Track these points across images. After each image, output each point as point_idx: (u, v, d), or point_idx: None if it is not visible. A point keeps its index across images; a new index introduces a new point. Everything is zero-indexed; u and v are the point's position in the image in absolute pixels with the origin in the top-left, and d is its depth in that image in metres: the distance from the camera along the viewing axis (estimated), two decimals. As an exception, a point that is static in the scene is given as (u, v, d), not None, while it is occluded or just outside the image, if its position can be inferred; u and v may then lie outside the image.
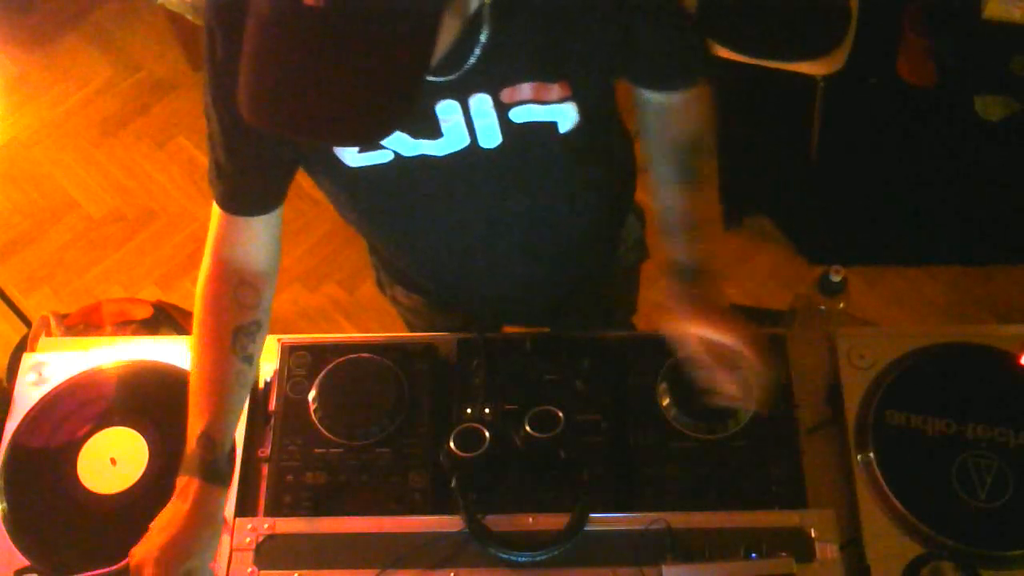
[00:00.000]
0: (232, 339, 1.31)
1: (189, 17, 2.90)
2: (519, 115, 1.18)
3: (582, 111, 1.21)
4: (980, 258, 2.84)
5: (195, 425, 1.28)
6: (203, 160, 3.11)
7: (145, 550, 1.24)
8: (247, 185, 1.28)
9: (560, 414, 1.38)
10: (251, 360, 1.34)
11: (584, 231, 1.47)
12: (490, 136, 1.20)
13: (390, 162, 1.22)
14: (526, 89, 1.16)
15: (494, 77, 1.13)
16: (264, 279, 1.36)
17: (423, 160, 1.22)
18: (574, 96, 1.18)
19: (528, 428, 1.39)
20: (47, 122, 3.26)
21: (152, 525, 1.26)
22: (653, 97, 1.33)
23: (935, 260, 2.84)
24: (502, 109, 1.17)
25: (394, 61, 0.88)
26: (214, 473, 1.27)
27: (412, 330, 1.87)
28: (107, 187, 3.12)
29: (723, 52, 2.63)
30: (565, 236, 1.46)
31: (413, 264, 1.55)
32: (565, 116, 1.21)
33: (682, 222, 1.32)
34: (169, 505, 1.26)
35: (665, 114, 1.34)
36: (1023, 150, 2.96)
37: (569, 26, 1.11)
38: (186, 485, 1.26)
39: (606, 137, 1.39)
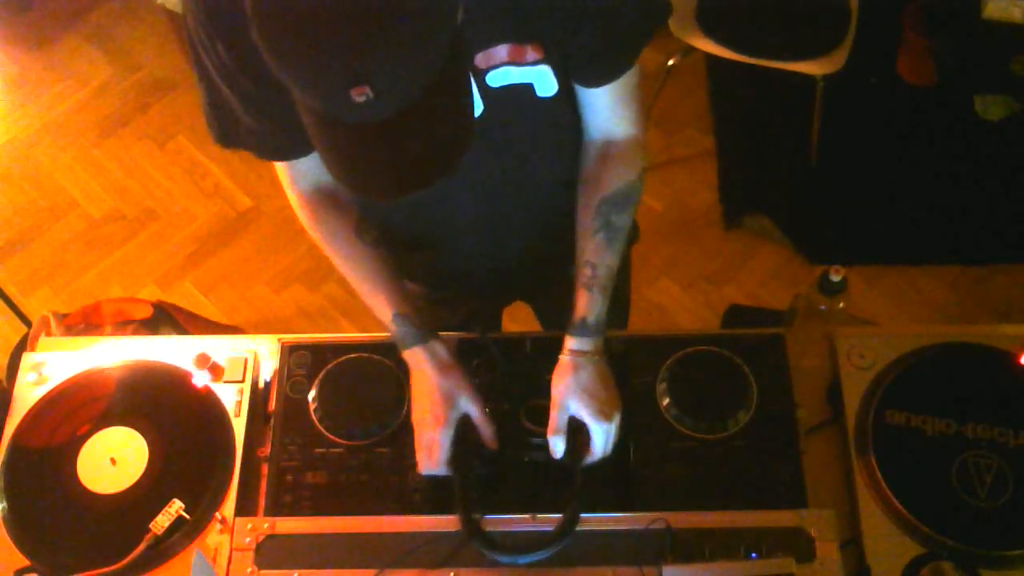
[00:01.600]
0: (356, 237, 1.42)
1: (189, 17, 2.90)
2: (496, 79, 1.19)
3: (559, 76, 1.23)
4: (980, 258, 2.84)
5: (384, 313, 1.40)
6: (203, 160, 3.13)
7: (423, 427, 1.36)
8: (285, 139, 1.30)
9: None
10: (377, 242, 1.44)
11: (571, 195, 1.46)
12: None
13: None
14: (501, 51, 1.17)
15: (470, 42, 1.14)
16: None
17: None
18: (548, 59, 1.20)
19: (527, 422, 1.38)
20: (47, 122, 3.26)
21: (413, 406, 1.39)
22: (595, 130, 1.34)
23: (935, 260, 2.84)
24: (478, 74, 1.18)
25: (458, 121, 1.05)
26: (425, 335, 1.39)
27: None
28: (107, 187, 3.12)
29: (723, 52, 2.63)
30: (553, 202, 1.46)
31: (408, 242, 1.55)
32: (541, 79, 1.22)
33: (598, 281, 1.35)
34: (413, 382, 1.39)
35: (602, 162, 1.35)
36: (1023, 150, 2.96)
37: None
38: (412, 356, 1.39)
39: None
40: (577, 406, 1.34)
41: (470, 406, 1.37)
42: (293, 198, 1.42)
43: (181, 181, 3.12)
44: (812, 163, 2.97)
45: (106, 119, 3.26)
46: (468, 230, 1.46)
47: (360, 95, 0.93)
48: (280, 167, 1.39)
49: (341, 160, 1.06)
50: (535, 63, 1.20)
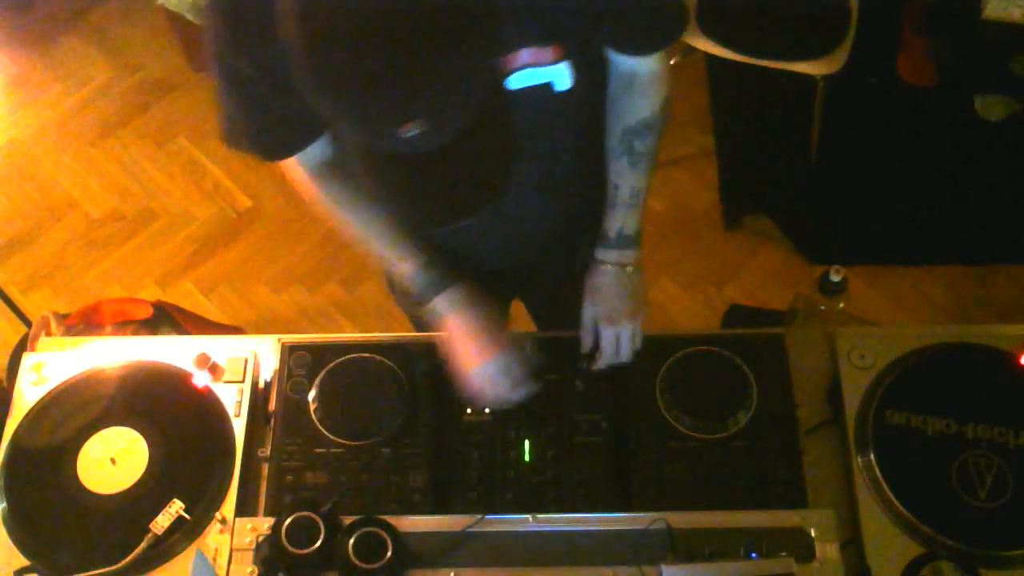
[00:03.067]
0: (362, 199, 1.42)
1: (189, 17, 2.90)
2: (516, 81, 1.21)
3: (576, 68, 1.25)
4: (980, 258, 2.84)
5: (406, 267, 1.43)
6: (203, 160, 3.13)
7: (482, 360, 1.40)
8: (292, 135, 1.32)
9: (388, 540, 1.34)
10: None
11: (591, 186, 1.48)
12: None
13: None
14: (525, 55, 1.19)
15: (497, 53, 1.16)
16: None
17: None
18: (567, 55, 1.22)
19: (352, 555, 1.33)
20: (47, 122, 3.26)
21: (456, 350, 1.42)
22: (622, 65, 1.37)
23: (935, 260, 2.84)
24: (499, 77, 1.20)
25: (502, 148, 1.12)
26: (449, 280, 1.43)
27: (421, 330, 1.87)
28: (107, 187, 3.12)
29: (723, 52, 2.63)
30: (574, 195, 1.49)
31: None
32: (559, 75, 1.24)
33: (620, 198, 1.43)
34: (450, 328, 1.42)
35: (626, 93, 1.39)
36: (1023, 150, 2.96)
37: None
38: (442, 302, 1.42)
39: (603, 93, 1.42)
40: (590, 309, 1.44)
41: (512, 333, 1.46)
42: (296, 175, 1.42)
43: (181, 181, 3.11)
44: (812, 163, 2.97)
45: (106, 119, 3.26)
46: (490, 228, 1.47)
47: (408, 131, 0.95)
48: (289, 168, 1.39)
49: (387, 190, 1.08)
50: (555, 62, 1.22)
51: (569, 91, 1.27)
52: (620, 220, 1.43)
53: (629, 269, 1.45)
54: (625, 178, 1.42)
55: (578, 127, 1.38)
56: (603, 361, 1.46)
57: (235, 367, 1.53)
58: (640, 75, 1.38)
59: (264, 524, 1.37)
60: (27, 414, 1.50)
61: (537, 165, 1.36)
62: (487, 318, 1.44)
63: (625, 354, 1.45)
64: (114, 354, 1.58)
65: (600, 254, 1.45)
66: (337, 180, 1.41)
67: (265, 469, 1.47)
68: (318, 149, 1.37)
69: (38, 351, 1.61)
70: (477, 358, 1.42)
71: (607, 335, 1.43)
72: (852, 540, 1.39)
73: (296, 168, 1.40)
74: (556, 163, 1.40)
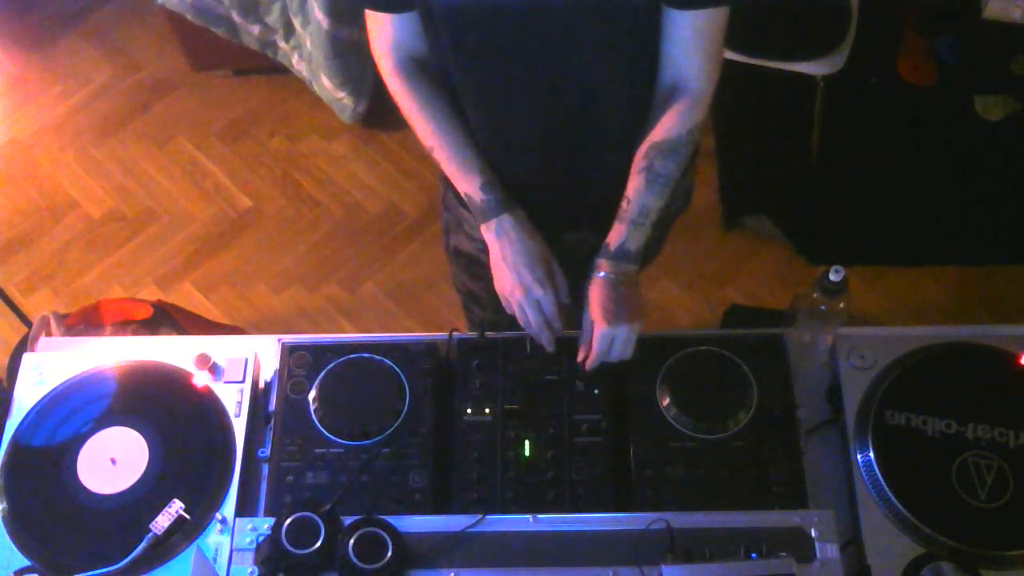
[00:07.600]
0: (450, 107, 1.48)
1: (189, 17, 2.90)
2: None
3: None
4: (980, 258, 2.84)
5: (472, 181, 1.48)
6: (203, 160, 3.13)
7: (515, 283, 1.46)
8: None
9: (388, 540, 1.34)
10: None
11: (636, 125, 1.50)
12: None
13: (471, 4, 1.30)
14: None
15: None
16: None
17: (502, 6, 1.30)
18: None
19: (352, 556, 1.32)
20: (47, 122, 3.26)
21: (506, 273, 1.47)
22: (669, 69, 1.41)
23: (935, 260, 2.84)
24: None
25: None
26: (510, 203, 1.48)
27: (467, 291, 1.89)
28: (107, 187, 3.12)
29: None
30: (619, 125, 1.50)
31: (487, 135, 1.56)
32: None
33: (629, 214, 1.45)
34: (501, 251, 1.47)
35: (663, 108, 1.42)
36: (1023, 150, 2.96)
37: None
38: (500, 224, 1.47)
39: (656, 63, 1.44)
40: (588, 310, 1.45)
41: (557, 266, 1.51)
42: (386, 66, 1.47)
43: (181, 181, 3.11)
44: (812, 163, 2.97)
45: (106, 119, 3.26)
46: (539, 135, 1.49)
47: None
48: (376, 30, 1.44)
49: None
50: None
51: (641, 8, 1.31)
52: (624, 235, 1.45)
53: (623, 279, 1.45)
54: (638, 195, 1.44)
55: (638, 47, 1.39)
56: (594, 360, 1.45)
57: (235, 367, 1.53)
58: (681, 90, 1.41)
59: (264, 524, 1.37)
60: (27, 414, 1.50)
61: (591, 70, 1.38)
62: (537, 251, 1.48)
63: (617, 355, 1.44)
64: (114, 354, 1.58)
65: (597, 263, 1.46)
66: (423, 79, 1.46)
67: (265, 469, 1.47)
68: (408, 37, 1.43)
69: (38, 351, 1.61)
70: (518, 287, 1.46)
71: (601, 334, 1.42)
72: (852, 540, 1.39)
73: (386, 58, 1.45)
74: (603, 77, 1.40)
